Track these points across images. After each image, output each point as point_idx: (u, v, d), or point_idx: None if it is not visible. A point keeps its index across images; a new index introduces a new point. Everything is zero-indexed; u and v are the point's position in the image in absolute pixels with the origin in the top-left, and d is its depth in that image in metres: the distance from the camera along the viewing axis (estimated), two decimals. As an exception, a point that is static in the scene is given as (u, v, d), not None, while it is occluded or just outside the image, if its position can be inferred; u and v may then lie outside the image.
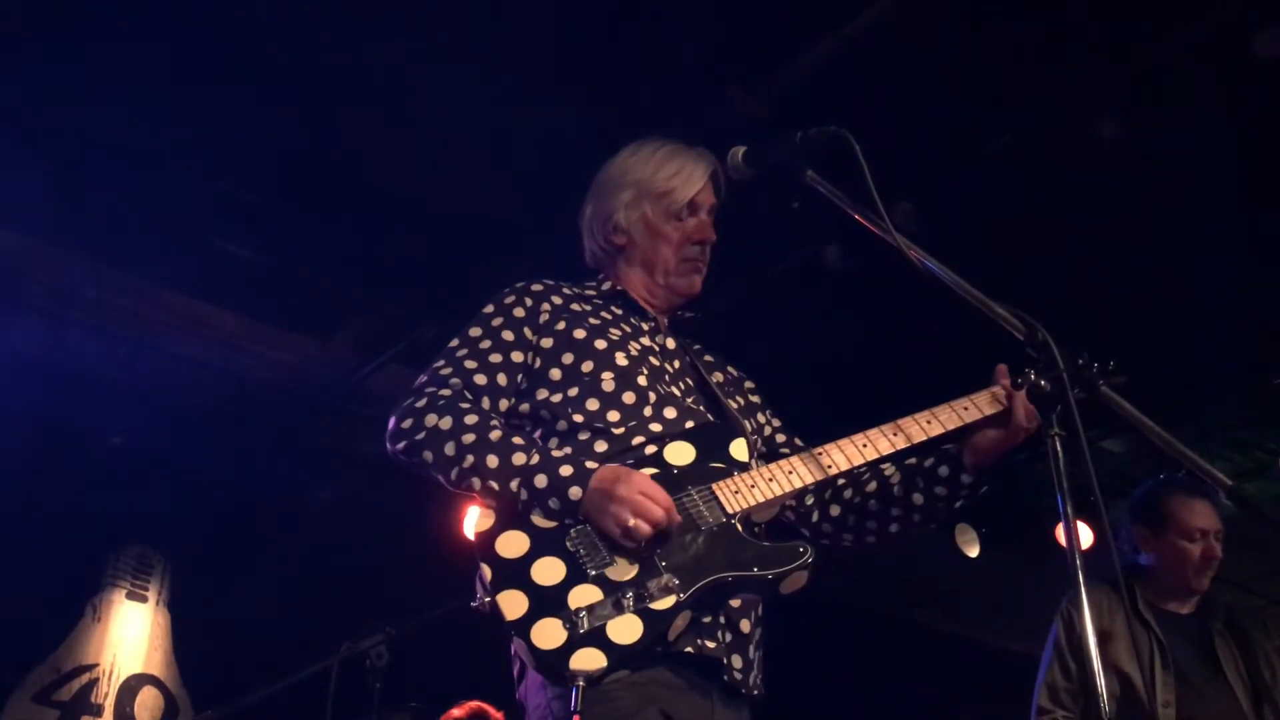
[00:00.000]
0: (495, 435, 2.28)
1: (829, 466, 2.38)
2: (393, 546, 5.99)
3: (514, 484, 2.23)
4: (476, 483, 2.25)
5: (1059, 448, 1.98)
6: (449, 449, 2.28)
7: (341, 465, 6.21)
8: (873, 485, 2.53)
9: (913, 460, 2.51)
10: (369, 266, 5.30)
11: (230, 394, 5.84)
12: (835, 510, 2.56)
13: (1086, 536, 5.36)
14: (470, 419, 2.31)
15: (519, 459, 2.25)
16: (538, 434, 2.41)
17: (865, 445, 2.41)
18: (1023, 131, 4.38)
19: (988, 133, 4.43)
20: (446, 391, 2.38)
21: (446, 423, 2.30)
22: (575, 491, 2.19)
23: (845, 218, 2.32)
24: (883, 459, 2.43)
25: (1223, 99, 4.18)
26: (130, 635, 5.90)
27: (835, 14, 4.02)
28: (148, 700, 5.84)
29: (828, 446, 2.41)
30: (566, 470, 2.22)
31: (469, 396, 2.39)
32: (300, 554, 5.92)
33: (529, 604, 2.10)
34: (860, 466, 2.41)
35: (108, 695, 5.71)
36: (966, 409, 2.44)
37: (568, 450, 2.32)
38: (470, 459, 2.26)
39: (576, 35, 4.06)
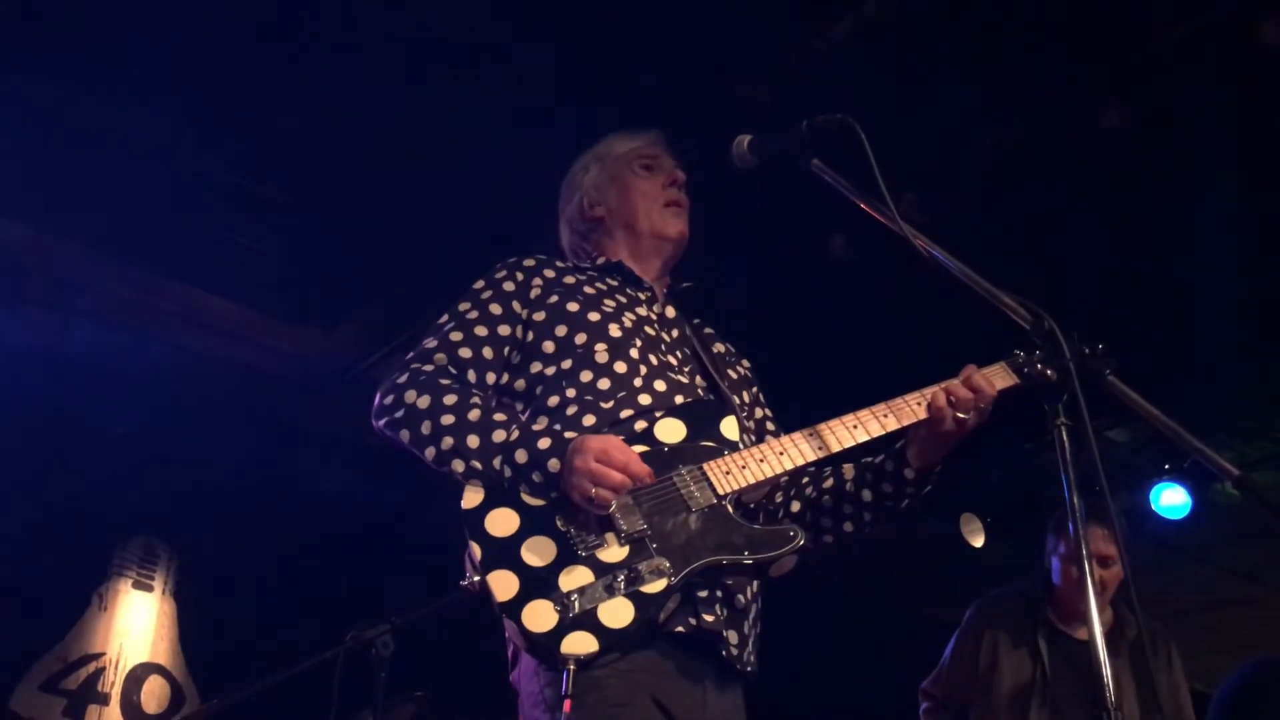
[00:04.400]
0: (474, 415, 2.26)
1: (819, 448, 2.33)
2: (398, 536, 6.00)
3: (496, 462, 2.21)
4: (459, 464, 2.22)
5: (1065, 437, 1.97)
6: (425, 429, 2.26)
7: (346, 455, 6.22)
8: (830, 482, 2.49)
9: (869, 458, 2.47)
10: (373, 256, 5.29)
11: (234, 384, 5.85)
12: (796, 506, 2.51)
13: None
14: (449, 398, 2.28)
15: (499, 436, 2.22)
16: (529, 411, 2.39)
17: (856, 426, 2.35)
18: (1027, 121, 4.36)
19: (993, 122, 4.42)
20: (429, 367, 2.37)
21: (425, 401, 2.29)
22: (554, 463, 2.17)
23: (851, 207, 2.31)
24: (863, 445, 2.37)
25: (1230, 87, 4.16)
26: (136, 625, 5.91)
27: (841, 2, 4.01)
28: (154, 689, 5.86)
29: (819, 427, 2.36)
30: (545, 443, 2.19)
31: (452, 372, 2.37)
32: (305, 544, 5.93)
33: (519, 585, 2.08)
34: (851, 448, 2.36)
35: (114, 684, 5.73)
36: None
37: (552, 424, 2.31)
38: (449, 440, 2.24)
39: (579, 24, 4.05)
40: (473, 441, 2.22)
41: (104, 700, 5.66)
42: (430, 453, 2.26)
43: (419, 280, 5.36)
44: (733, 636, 2.24)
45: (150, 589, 6.02)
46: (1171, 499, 6.73)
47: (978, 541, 7.24)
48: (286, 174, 4.80)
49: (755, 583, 2.34)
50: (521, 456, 2.19)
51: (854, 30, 4.05)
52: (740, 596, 2.29)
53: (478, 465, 2.21)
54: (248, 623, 5.63)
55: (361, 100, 4.36)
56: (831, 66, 4.13)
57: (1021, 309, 2.07)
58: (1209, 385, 6.10)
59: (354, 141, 4.58)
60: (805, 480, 2.53)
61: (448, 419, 2.26)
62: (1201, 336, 5.54)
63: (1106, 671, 1.85)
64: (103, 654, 5.75)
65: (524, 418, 2.37)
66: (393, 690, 3.94)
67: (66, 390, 5.49)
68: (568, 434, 2.22)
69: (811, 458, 2.33)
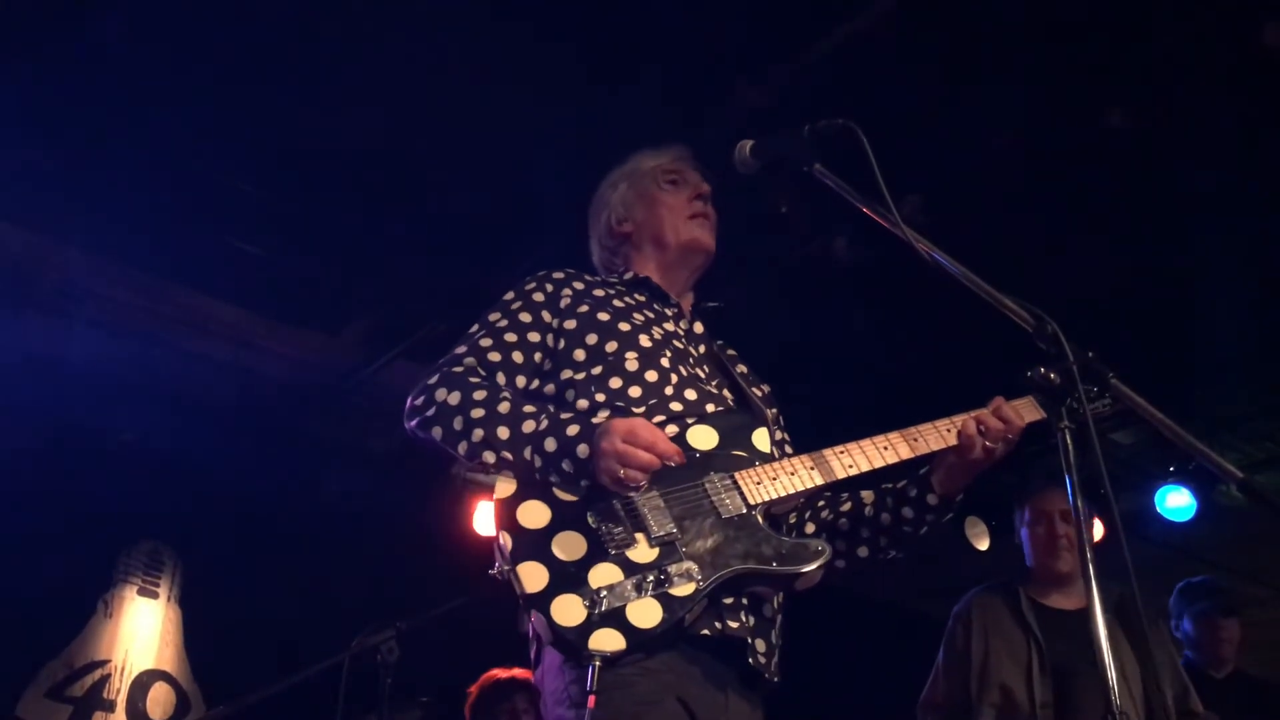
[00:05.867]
0: (504, 407, 2.28)
1: (849, 466, 2.36)
2: (402, 542, 6.00)
3: (527, 452, 2.22)
4: (490, 456, 2.24)
5: (1069, 441, 1.97)
6: (457, 424, 2.28)
7: (351, 461, 6.22)
8: (848, 505, 2.51)
9: (889, 484, 2.49)
10: (377, 262, 5.30)
11: (239, 390, 5.85)
12: (810, 529, 2.52)
13: (1097, 529, 5.35)
14: (479, 394, 2.31)
15: (529, 426, 2.24)
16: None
17: (886, 448, 2.38)
18: (1030, 123, 4.37)
19: (996, 124, 4.42)
20: (459, 369, 2.39)
21: (455, 398, 2.31)
22: (583, 449, 2.18)
23: (854, 210, 2.32)
24: (888, 468, 2.39)
25: (1232, 89, 4.16)
26: (142, 631, 5.92)
27: (844, 5, 4.01)
28: (160, 696, 5.86)
29: (849, 446, 2.38)
30: (573, 430, 2.21)
31: (481, 372, 2.40)
32: (310, 550, 5.93)
33: (549, 578, 2.09)
34: (880, 469, 2.38)
35: (120, 691, 5.74)
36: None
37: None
38: (480, 433, 2.26)
39: (583, 29, 4.05)
40: (503, 433, 2.25)
41: (109, 707, 5.67)
42: (463, 447, 2.28)
43: (423, 285, 5.37)
44: (760, 645, 2.26)
45: (155, 596, 6.03)
46: (1176, 501, 6.73)
47: (983, 544, 7.23)
48: (290, 179, 4.80)
49: (780, 595, 2.35)
50: (550, 445, 2.21)
51: (857, 33, 4.06)
52: (767, 606, 2.31)
53: (508, 456, 2.23)
54: (253, 629, 5.63)
55: (365, 105, 4.37)
56: (835, 69, 4.13)
57: (1024, 313, 2.07)
58: (1213, 388, 6.10)
59: (357, 147, 4.59)
60: (821, 503, 2.55)
61: (478, 413, 2.28)
62: (1205, 338, 5.54)
63: (1111, 675, 1.85)
64: (108, 661, 5.76)
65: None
66: (398, 696, 3.95)
67: (71, 396, 5.49)
68: (595, 419, 2.24)
69: (841, 475, 2.35)
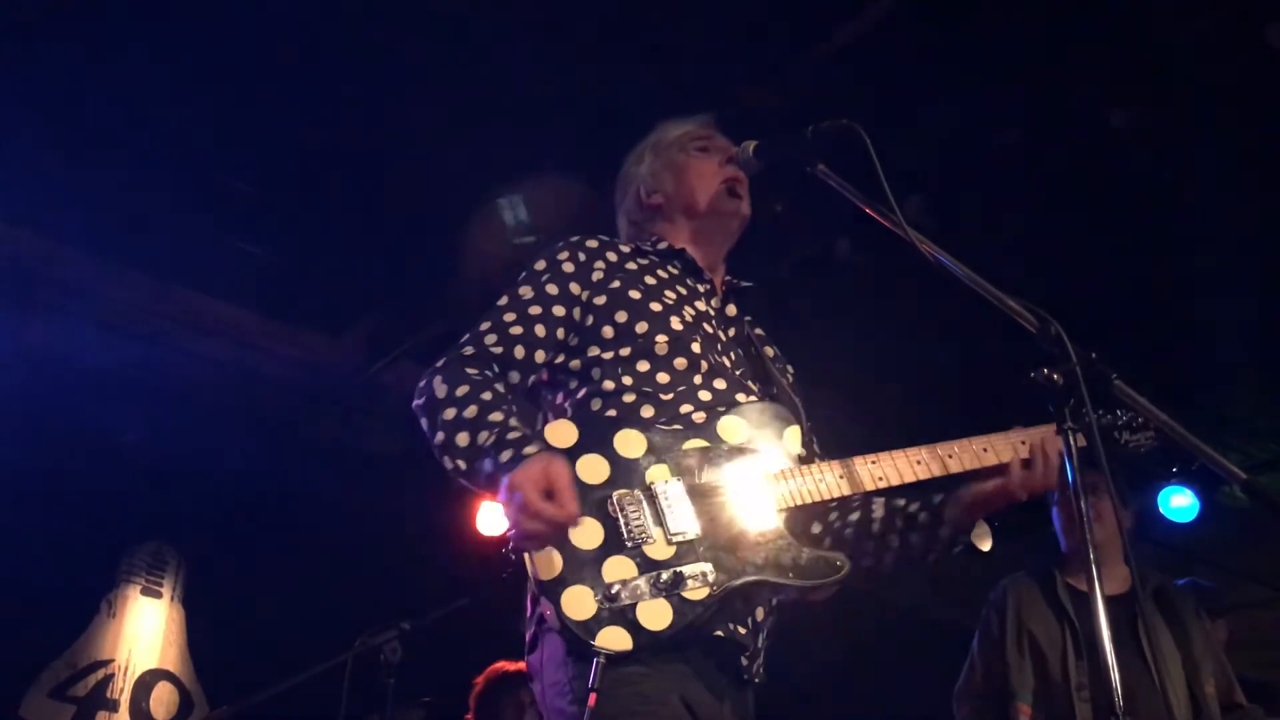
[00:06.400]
0: (471, 411, 2.17)
1: (880, 479, 2.29)
2: (405, 542, 6.00)
3: (475, 464, 2.13)
4: (448, 462, 2.16)
5: (1072, 441, 1.97)
6: (438, 420, 2.20)
7: (353, 461, 6.22)
8: (856, 515, 2.45)
9: (901, 501, 2.43)
10: (380, 263, 5.30)
11: (242, 391, 5.85)
12: (817, 529, 2.46)
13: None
14: (461, 389, 2.21)
15: (483, 438, 2.13)
16: (583, 393, 2.33)
17: (919, 463, 2.32)
18: (1033, 122, 4.36)
19: (998, 124, 4.42)
20: (469, 351, 2.31)
21: (442, 390, 2.22)
22: (504, 481, 2.05)
23: (857, 211, 2.31)
24: (910, 486, 2.33)
25: (1235, 89, 4.16)
26: (145, 631, 5.92)
27: (846, 6, 4.01)
28: (163, 695, 5.87)
29: (880, 456, 2.32)
30: (505, 455, 2.08)
31: (496, 352, 2.31)
32: (313, 550, 5.93)
33: (563, 565, 2.04)
34: (911, 484, 2.32)
35: (123, 691, 5.74)
36: (1023, 443, 2.37)
37: (605, 409, 2.27)
38: (442, 435, 2.18)
39: (585, 33, 4.05)
40: (461, 439, 2.16)
41: (113, 707, 5.67)
42: (435, 450, 2.21)
43: (425, 286, 5.37)
44: (750, 645, 2.24)
45: (159, 595, 6.03)
46: (1179, 502, 6.73)
47: (985, 545, 7.22)
48: (293, 180, 4.80)
49: (774, 598, 2.31)
50: (488, 466, 2.11)
51: (860, 33, 4.06)
52: (760, 609, 2.27)
53: (463, 465, 2.15)
54: (256, 629, 5.63)
55: (368, 106, 4.37)
56: (837, 70, 4.13)
57: (1027, 314, 2.06)
58: (1215, 388, 6.10)
59: (360, 148, 4.59)
60: (831, 504, 2.47)
61: (449, 413, 2.19)
62: (1208, 339, 5.53)
63: (1114, 676, 1.85)
64: (112, 660, 5.76)
65: (579, 396, 2.33)
66: (400, 696, 3.95)
67: (73, 397, 5.48)
68: (527, 450, 2.08)
69: (870, 487, 2.30)
